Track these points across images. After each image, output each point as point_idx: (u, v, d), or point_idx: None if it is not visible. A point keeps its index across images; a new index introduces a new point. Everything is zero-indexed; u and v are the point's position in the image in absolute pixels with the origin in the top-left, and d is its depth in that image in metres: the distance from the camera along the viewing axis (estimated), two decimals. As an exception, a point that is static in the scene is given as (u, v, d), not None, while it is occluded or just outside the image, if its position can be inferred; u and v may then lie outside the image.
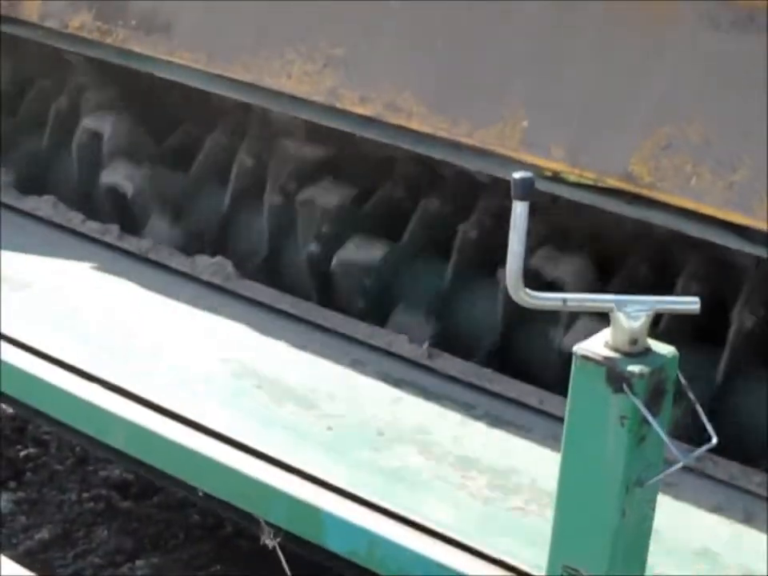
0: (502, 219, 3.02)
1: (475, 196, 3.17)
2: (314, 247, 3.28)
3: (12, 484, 3.79)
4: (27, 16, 3.55)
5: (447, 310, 3.19)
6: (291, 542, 2.56)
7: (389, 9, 3.01)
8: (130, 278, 3.21)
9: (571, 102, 2.76)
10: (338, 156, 3.39)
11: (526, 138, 2.75)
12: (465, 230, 3.12)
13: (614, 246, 2.97)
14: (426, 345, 2.93)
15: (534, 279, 2.62)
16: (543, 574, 1.79)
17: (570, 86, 2.78)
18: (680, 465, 1.64)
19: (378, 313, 3.22)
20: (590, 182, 2.68)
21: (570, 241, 3.03)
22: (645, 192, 2.63)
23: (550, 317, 2.86)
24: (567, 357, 2.73)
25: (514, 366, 2.98)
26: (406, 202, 3.31)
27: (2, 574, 2.55)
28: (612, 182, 2.66)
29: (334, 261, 3.23)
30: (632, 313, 1.60)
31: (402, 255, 3.23)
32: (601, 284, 2.88)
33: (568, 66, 2.79)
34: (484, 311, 3.10)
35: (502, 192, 2.98)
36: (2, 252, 3.27)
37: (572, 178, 2.69)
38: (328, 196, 3.32)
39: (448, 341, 3.12)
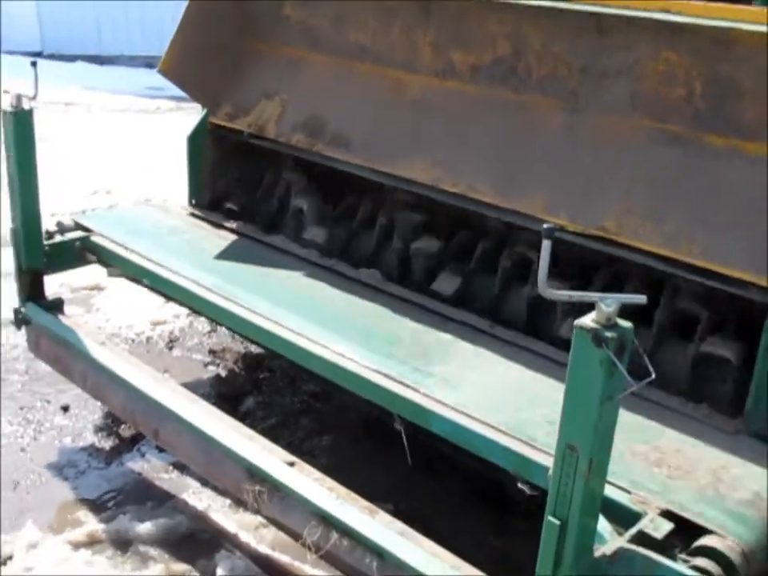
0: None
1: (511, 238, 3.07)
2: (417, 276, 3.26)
3: (255, 392, 3.83)
4: (267, 134, 3.55)
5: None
6: (410, 426, 2.57)
7: (469, 136, 3.00)
8: (322, 280, 3.18)
9: (572, 185, 2.73)
10: (434, 217, 3.31)
11: (546, 206, 2.73)
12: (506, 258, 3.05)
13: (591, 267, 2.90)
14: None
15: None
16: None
17: (571, 176, 2.74)
18: (632, 389, 1.68)
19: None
20: (581, 231, 2.66)
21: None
22: (613, 237, 2.60)
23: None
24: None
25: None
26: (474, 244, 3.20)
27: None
28: (594, 232, 2.64)
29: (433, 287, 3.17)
30: (609, 303, 1.64)
31: (469, 280, 3.15)
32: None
33: (570, 165, 2.76)
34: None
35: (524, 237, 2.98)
36: (250, 265, 3.30)
37: (571, 229, 2.67)
38: (427, 246, 3.25)
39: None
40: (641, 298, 1.65)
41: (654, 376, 1.67)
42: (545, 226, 1.64)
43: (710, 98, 2.49)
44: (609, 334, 1.62)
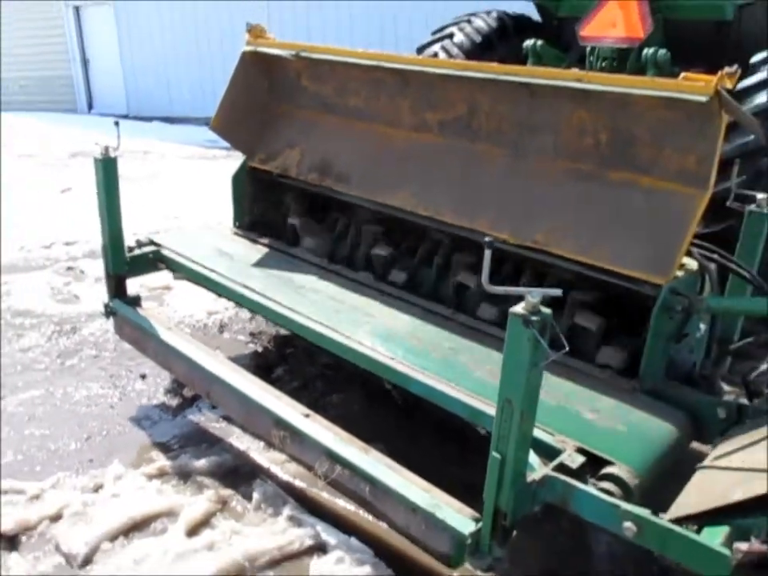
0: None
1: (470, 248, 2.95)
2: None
3: (283, 363, 3.78)
4: (290, 174, 3.50)
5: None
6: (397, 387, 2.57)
7: (437, 174, 2.96)
8: (329, 280, 3.13)
9: (512, 209, 2.70)
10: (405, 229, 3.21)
11: (492, 225, 2.70)
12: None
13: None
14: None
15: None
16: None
17: (512, 203, 2.71)
18: (551, 359, 1.68)
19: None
20: (519, 243, 2.64)
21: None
22: (542, 248, 2.58)
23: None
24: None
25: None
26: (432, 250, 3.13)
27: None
28: (528, 243, 2.62)
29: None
30: (534, 295, 1.64)
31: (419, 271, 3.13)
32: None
33: (510, 195, 2.73)
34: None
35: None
36: (277, 270, 3.28)
37: (512, 241, 2.64)
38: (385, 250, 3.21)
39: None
40: (557, 291, 1.65)
41: (567, 348, 1.68)
42: (486, 239, 1.64)
43: (612, 144, 2.49)
44: (534, 318, 1.62)
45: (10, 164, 9.29)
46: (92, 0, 15.05)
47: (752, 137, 3.18)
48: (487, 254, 1.62)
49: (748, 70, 3.42)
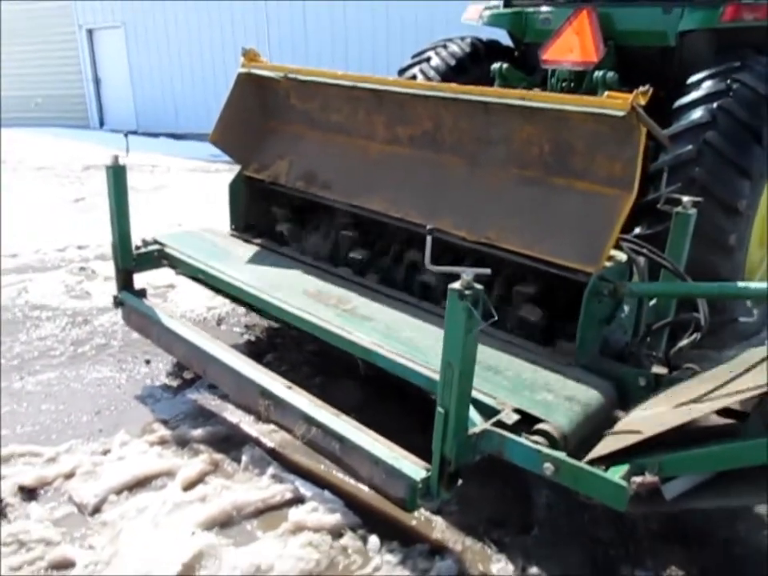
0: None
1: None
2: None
3: (273, 351, 3.93)
4: (280, 182, 3.70)
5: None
6: (366, 364, 2.76)
7: (407, 182, 3.17)
8: (313, 275, 3.35)
9: (470, 211, 2.89)
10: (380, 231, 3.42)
11: (453, 225, 2.89)
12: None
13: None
14: None
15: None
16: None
17: (470, 205, 2.90)
18: (481, 326, 1.90)
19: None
20: (474, 239, 2.83)
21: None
22: (494, 243, 2.78)
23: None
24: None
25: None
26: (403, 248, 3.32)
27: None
28: (482, 240, 2.81)
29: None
30: (468, 273, 1.88)
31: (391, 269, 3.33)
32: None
33: (469, 198, 2.92)
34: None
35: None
36: (268, 267, 3.49)
37: (469, 238, 2.84)
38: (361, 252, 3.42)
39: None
40: (486, 271, 1.86)
41: (496, 318, 1.90)
42: (428, 227, 1.88)
43: (554, 154, 2.70)
44: (467, 293, 1.84)
45: (28, 176, 9.53)
46: (104, 24, 15.38)
47: (686, 148, 3.43)
48: (428, 239, 1.86)
49: (685, 89, 3.68)
